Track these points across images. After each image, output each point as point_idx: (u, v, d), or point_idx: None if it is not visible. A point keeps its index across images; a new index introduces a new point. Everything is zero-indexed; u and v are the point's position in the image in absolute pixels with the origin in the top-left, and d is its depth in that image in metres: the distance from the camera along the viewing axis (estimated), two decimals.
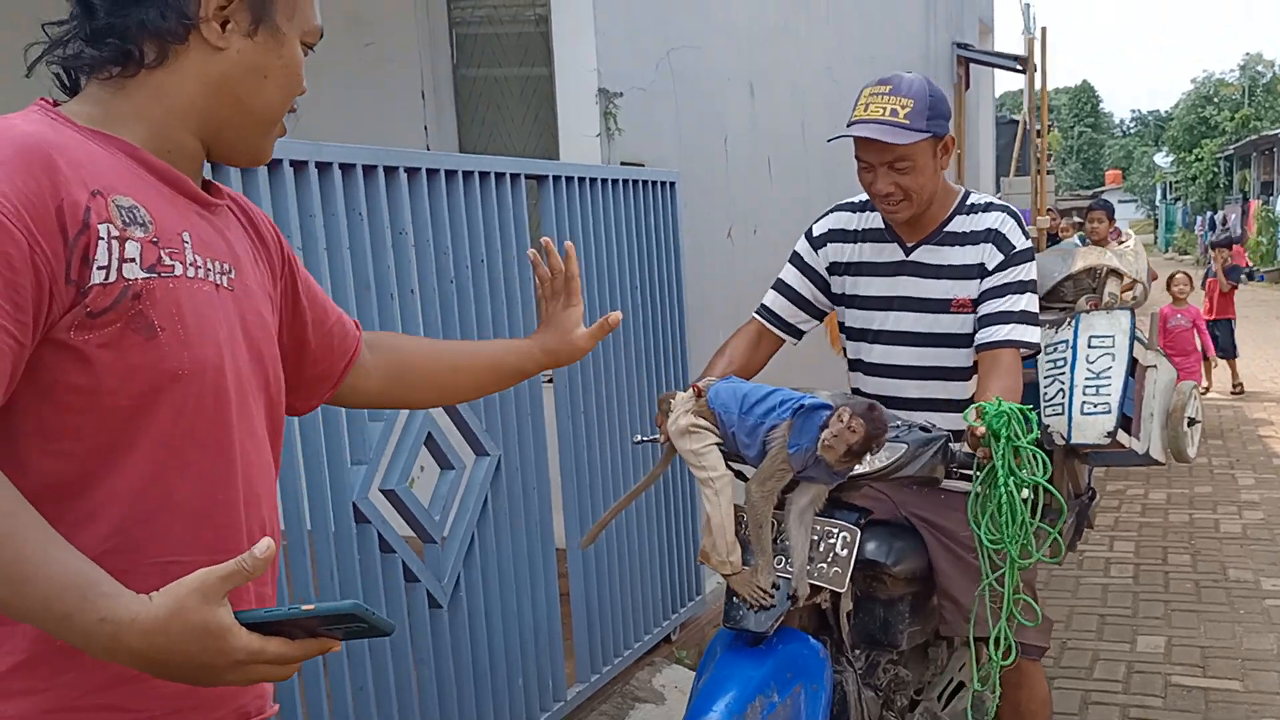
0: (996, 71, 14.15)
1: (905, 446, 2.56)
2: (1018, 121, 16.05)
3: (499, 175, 3.38)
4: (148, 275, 1.28)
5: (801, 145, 6.42)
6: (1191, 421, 3.42)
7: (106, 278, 1.25)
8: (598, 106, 4.32)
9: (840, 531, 2.51)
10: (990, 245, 2.94)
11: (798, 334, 3.22)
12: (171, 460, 1.32)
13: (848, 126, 2.89)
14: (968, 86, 12.29)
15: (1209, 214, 39.54)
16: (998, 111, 17.68)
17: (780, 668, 2.40)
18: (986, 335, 2.89)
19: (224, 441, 1.38)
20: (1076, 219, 14.65)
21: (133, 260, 1.27)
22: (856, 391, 3.13)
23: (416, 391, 1.95)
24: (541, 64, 5.28)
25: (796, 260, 3.19)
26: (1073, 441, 3.12)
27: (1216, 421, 10.17)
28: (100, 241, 1.25)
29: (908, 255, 3.02)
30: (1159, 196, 57.56)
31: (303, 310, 1.68)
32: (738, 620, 2.44)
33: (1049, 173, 14.92)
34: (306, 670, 2.69)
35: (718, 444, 2.49)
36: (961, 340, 2.98)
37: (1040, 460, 2.52)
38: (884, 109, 2.82)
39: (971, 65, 12.34)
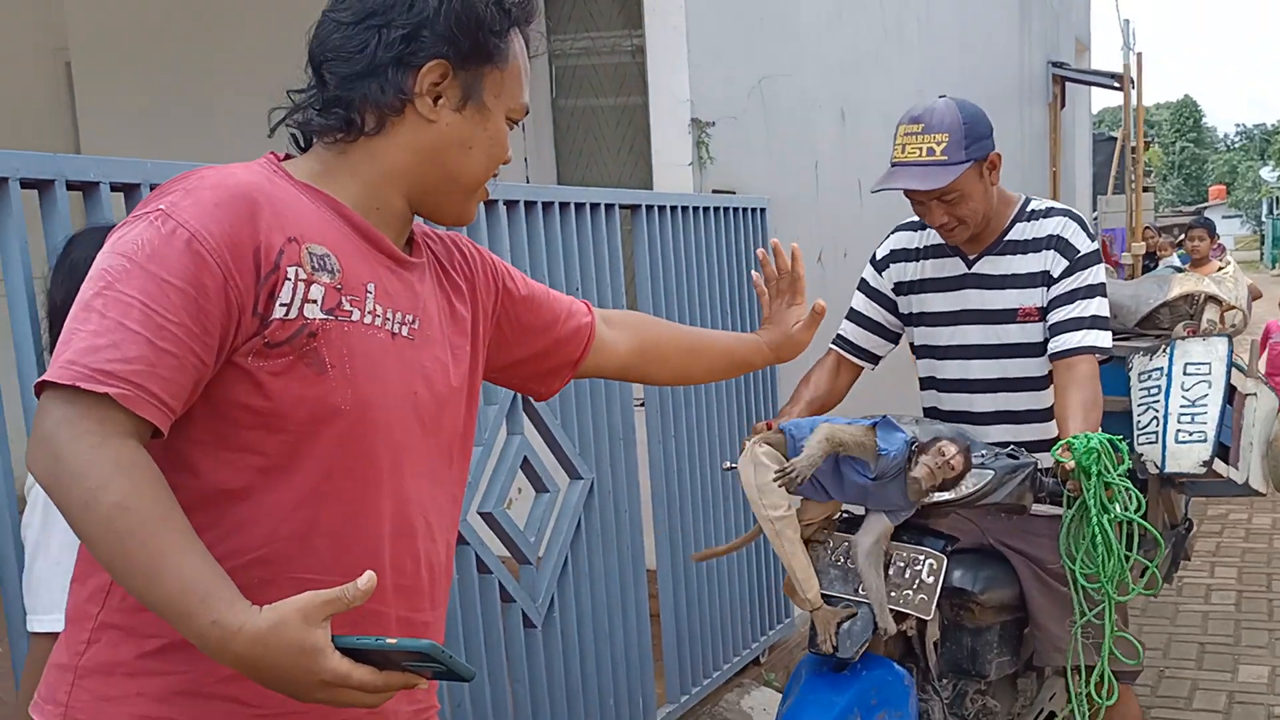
0: (1094, 88, 13.96)
1: (992, 473, 2.54)
2: (1115, 138, 15.82)
3: (594, 206, 3.47)
4: (326, 317, 1.43)
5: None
6: None
7: (287, 314, 1.40)
8: (690, 136, 4.39)
9: (926, 559, 2.51)
10: (1053, 252, 2.91)
11: (874, 359, 3.22)
12: (325, 486, 1.44)
13: (890, 167, 2.89)
14: (1063, 105, 12.15)
15: None
16: (1095, 128, 17.45)
17: (864, 694, 2.41)
18: (1059, 344, 2.85)
19: (374, 476, 1.49)
20: (1178, 236, 14.38)
21: (314, 302, 1.42)
22: (931, 410, 3.11)
23: (653, 368, 2.10)
24: (637, 94, 5.37)
25: (864, 287, 3.20)
26: (1167, 471, 3.06)
27: None
28: (287, 282, 1.40)
29: (970, 268, 3.00)
30: (1265, 211, 56.00)
31: (527, 321, 1.84)
32: (822, 646, 2.47)
33: (1147, 189, 14.65)
34: None
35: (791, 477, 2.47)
36: (1030, 350, 2.94)
37: (1134, 496, 2.49)
38: (920, 149, 2.82)
39: (1067, 83, 12.19)
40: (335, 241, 1.47)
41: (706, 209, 4.11)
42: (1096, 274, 2.90)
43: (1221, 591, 5.97)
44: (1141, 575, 2.61)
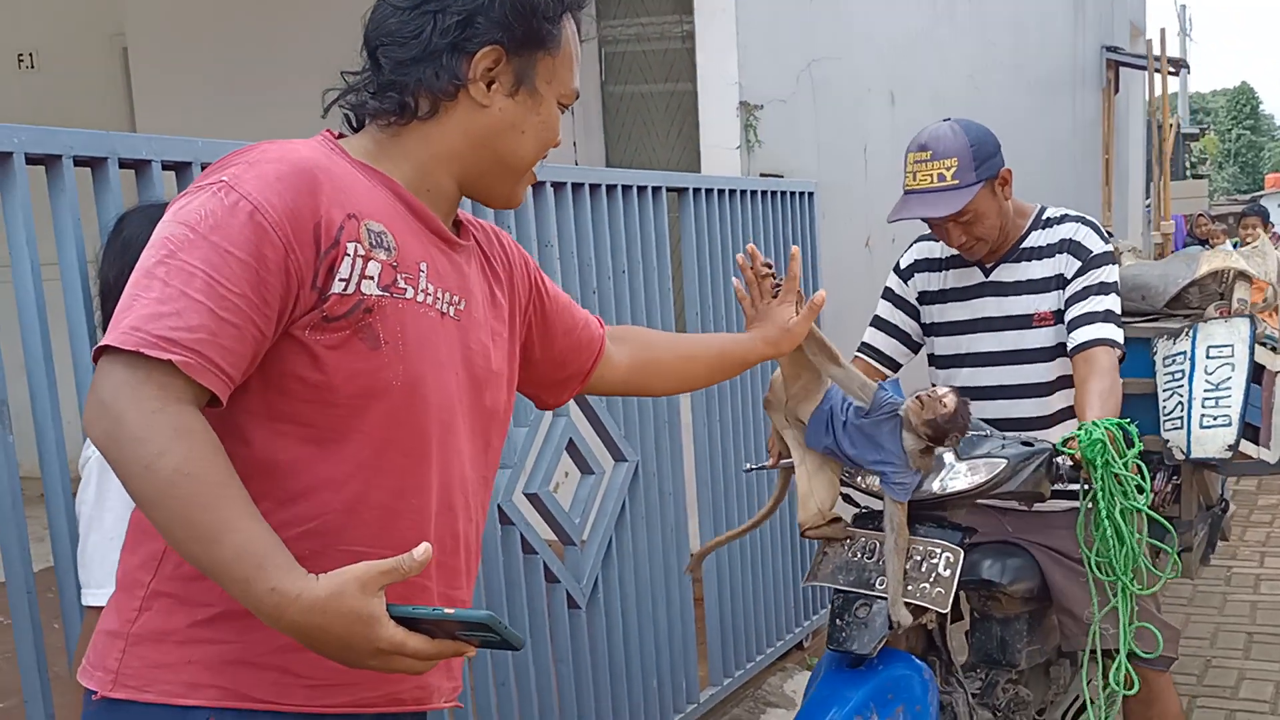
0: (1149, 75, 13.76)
1: (1005, 461, 2.51)
2: (1171, 125, 15.59)
3: (641, 188, 3.48)
4: (381, 293, 1.45)
5: None
6: None
7: (346, 289, 1.41)
8: (738, 119, 4.39)
9: (943, 551, 2.46)
10: (1067, 255, 2.95)
11: (896, 366, 3.25)
12: (375, 461, 1.47)
13: (904, 195, 2.94)
14: (1117, 90, 12.00)
15: None
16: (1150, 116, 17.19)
17: (880, 689, 2.39)
18: (1077, 337, 2.86)
19: (423, 452, 1.51)
20: (1231, 223, 14.17)
21: (371, 278, 1.44)
22: None
23: (655, 380, 2.11)
24: (686, 79, 5.37)
25: (889, 294, 3.24)
26: (1192, 457, 3.04)
27: None
28: (346, 258, 1.42)
29: (987, 276, 3.05)
30: None
31: (552, 322, 1.86)
32: (840, 642, 2.44)
33: (1201, 176, 14.43)
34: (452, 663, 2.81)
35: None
36: (1042, 355, 2.98)
37: (1143, 481, 2.48)
38: (931, 176, 2.87)
39: (1121, 69, 12.04)
40: (391, 220, 1.49)
41: (754, 192, 4.11)
42: (1109, 273, 2.92)
43: (1271, 581, 5.90)
44: (1156, 558, 2.58)
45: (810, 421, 2.43)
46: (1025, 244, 3.01)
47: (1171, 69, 12.40)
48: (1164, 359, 3.24)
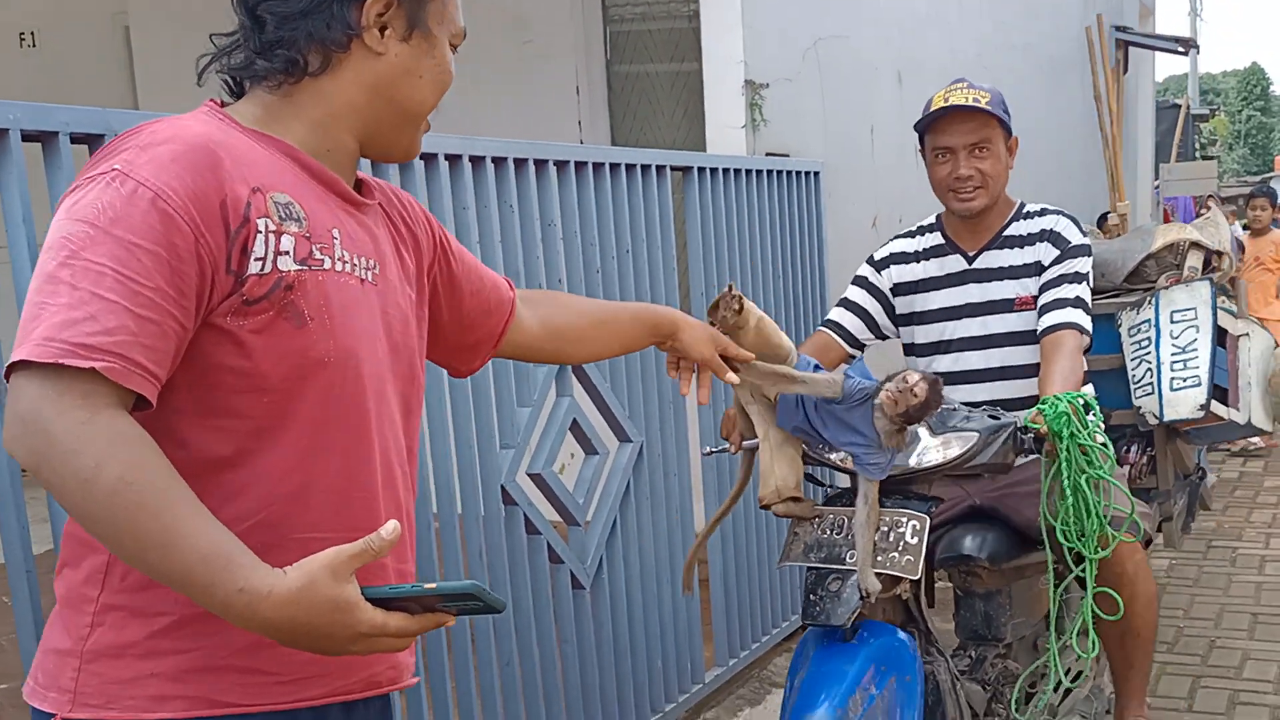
0: (1158, 55, 13.68)
1: (977, 434, 2.55)
2: (1179, 106, 15.52)
3: (644, 167, 3.45)
4: (299, 268, 1.37)
5: None
6: None
7: (263, 269, 1.34)
8: (744, 98, 4.36)
9: (910, 520, 2.47)
10: (1047, 244, 3.07)
11: (860, 347, 3.30)
12: (316, 442, 1.41)
13: (932, 110, 3.01)
14: (1126, 70, 11.92)
15: None
16: (1160, 96, 17.12)
17: (873, 660, 2.40)
18: (1046, 321, 2.97)
19: (363, 426, 1.46)
20: (1240, 205, 14.10)
21: (287, 253, 1.36)
22: None
23: (569, 346, 2.07)
24: (692, 59, 5.34)
25: (861, 281, 3.28)
26: (1166, 419, 3.09)
27: None
28: (259, 235, 1.34)
29: (970, 264, 3.14)
30: None
31: (459, 284, 1.79)
32: (815, 616, 2.44)
33: (1211, 158, 14.36)
34: (456, 643, 2.81)
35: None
36: (1025, 338, 3.06)
37: (1107, 452, 2.52)
38: (966, 97, 2.99)
39: (1130, 48, 11.96)
40: (295, 188, 1.42)
41: (759, 172, 4.08)
42: (1084, 264, 3.03)
43: (1276, 563, 5.89)
44: (1121, 528, 2.59)
45: (780, 400, 2.44)
46: (1007, 232, 3.13)
47: (1181, 49, 12.31)
48: (1129, 329, 3.29)
